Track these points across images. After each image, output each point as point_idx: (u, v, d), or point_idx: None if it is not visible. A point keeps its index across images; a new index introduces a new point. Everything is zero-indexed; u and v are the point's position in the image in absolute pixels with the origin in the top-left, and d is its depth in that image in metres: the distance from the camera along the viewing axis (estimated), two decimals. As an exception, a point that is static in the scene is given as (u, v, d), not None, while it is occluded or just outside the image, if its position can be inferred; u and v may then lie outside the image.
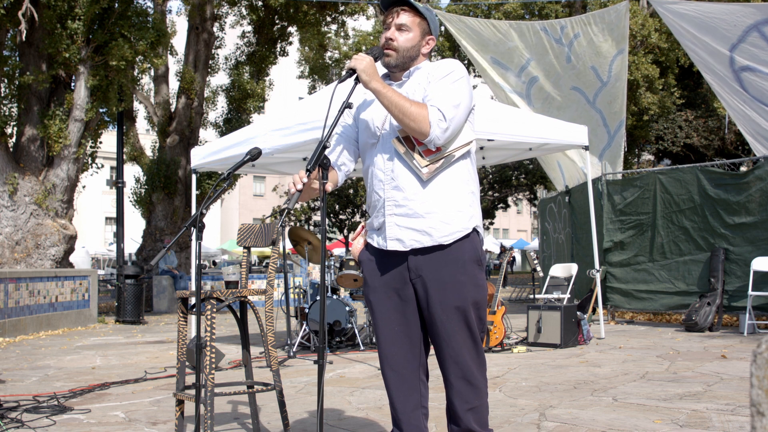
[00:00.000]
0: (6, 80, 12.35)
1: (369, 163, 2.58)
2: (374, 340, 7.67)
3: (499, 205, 32.41)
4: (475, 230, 2.50)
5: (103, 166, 15.87)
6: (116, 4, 12.22)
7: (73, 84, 12.55)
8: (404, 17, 2.52)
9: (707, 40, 8.75)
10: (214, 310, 3.36)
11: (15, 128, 12.41)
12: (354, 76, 2.49)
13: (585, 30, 10.46)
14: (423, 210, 2.43)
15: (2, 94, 12.33)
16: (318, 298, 7.87)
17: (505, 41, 10.87)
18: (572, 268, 8.90)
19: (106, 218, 44.08)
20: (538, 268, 8.59)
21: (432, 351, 2.58)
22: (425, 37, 2.56)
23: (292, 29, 18.63)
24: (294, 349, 7.17)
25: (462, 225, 2.46)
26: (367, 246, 2.61)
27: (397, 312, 2.50)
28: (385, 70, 2.65)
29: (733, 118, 9.53)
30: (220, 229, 47.58)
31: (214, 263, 34.52)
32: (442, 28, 20.50)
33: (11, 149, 12.19)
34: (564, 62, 10.69)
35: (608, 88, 10.70)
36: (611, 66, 10.48)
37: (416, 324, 2.51)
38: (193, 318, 4.84)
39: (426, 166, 2.43)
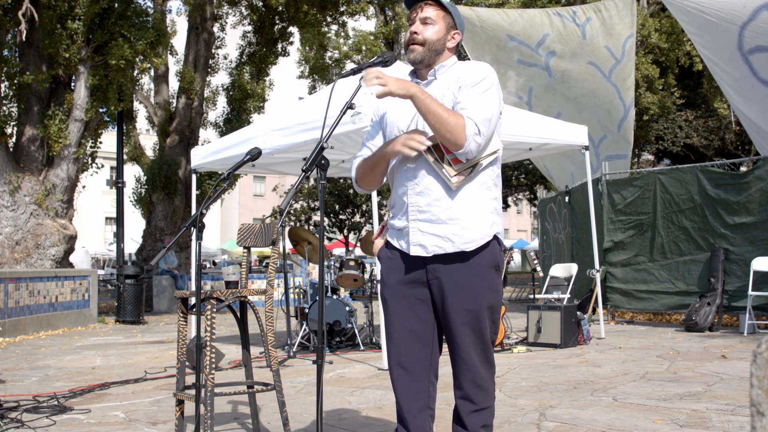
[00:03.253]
0: (6, 80, 12.35)
1: (394, 164, 2.57)
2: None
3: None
4: (495, 237, 2.49)
5: (103, 166, 15.87)
6: (116, 4, 12.21)
7: (73, 84, 12.55)
8: (428, 11, 2.52)
9: (714, 21, 8.71)
10: (214, 310, 3.36)
11: (15, 128, 12.42)
12: (359, 75, 2.48)
13: (596, 16, 10.69)
14: (446, 216, 2.43)
15: (2, 94, 12.33)
16: (318, 298, 7.87)
17: (519, 20, 10.98)
18: (572, 268, 8.90)
19: (106, 218, 44.07)
20: (538, 268, 8.59)
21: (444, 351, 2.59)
22: (450, 31, 2.54)
23: (293, 29, 18.63)
24: (294, 349, 7.17)
25: (484, 232, 2.45)
26: (387, 244, 2.61)
27: (411, 311, 2.51)
28: (406, 71, 2.64)
29: (738, 115, 9.55)
30: (220, 229, 47.58)
31: (214, 263, 34.50)
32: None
33: (11, 149, 12.19)
34: (580, 38, 10.90)
35: (622, 66, 11.05)
36: (624, 46, 10.74)
37: (430, 324, 2.51)
38: (193, 318, 4.84)
39: (455, 175, 2.41)
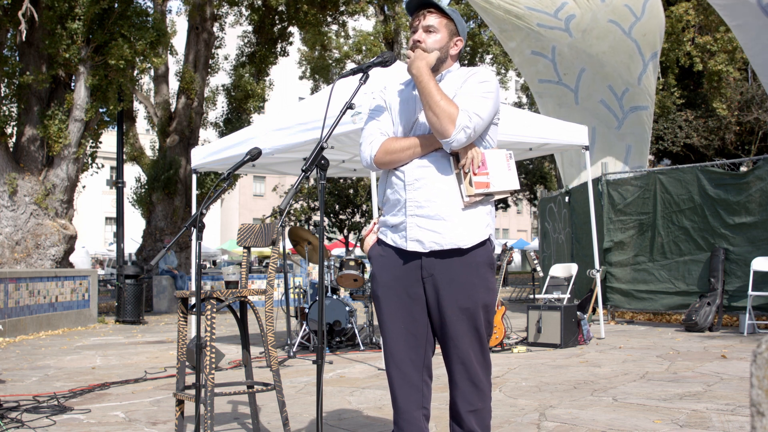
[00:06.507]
0: (6, 80, 12.35)
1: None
2: (380, 336, 7.67)
3: (499, 205, 32.42)
4: (489, 238, 2.52)
5: (103, 166, 15.87)
6: (116, 4, 12.21)
7: (73, 84, 12.55)
8: (431, 19, 2.52)
9: None
10: (214, 310, 3.36)
11: (15, 128, 12.41)
12: (359, 76, 2.50)
13: None
14: (444, 213, 2.44)
15: (2, 94, 12.33)
16: (318, 298, 7.86)
17: None
18: (572, 268, 8.90)
19: (106, 218, 44.07)
20: (538, 268, 8.58)
21: (437, 351, 2.59)
22: (453, 38, 2.56)
23: (293, 29, 18.64)
24: (294, 349, 7.17)
25: (479, 231, 2.48)
26: (379, 241, 2.60)
27: (405, 310, 2.50)
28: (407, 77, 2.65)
29: (757, 73, 9.71)
30: (220, 229, 47.57)
31: (214, 263, 34.52)
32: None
33: (11, 149, 12.19)
34: (599, 2, 11.06)
35: (642, 22, 11.31)
36: (645, 5, 11.07)
37: (423, 323, 2.51)
38: (193, 318, 4.84)
39: (468, 196, 2.43)
